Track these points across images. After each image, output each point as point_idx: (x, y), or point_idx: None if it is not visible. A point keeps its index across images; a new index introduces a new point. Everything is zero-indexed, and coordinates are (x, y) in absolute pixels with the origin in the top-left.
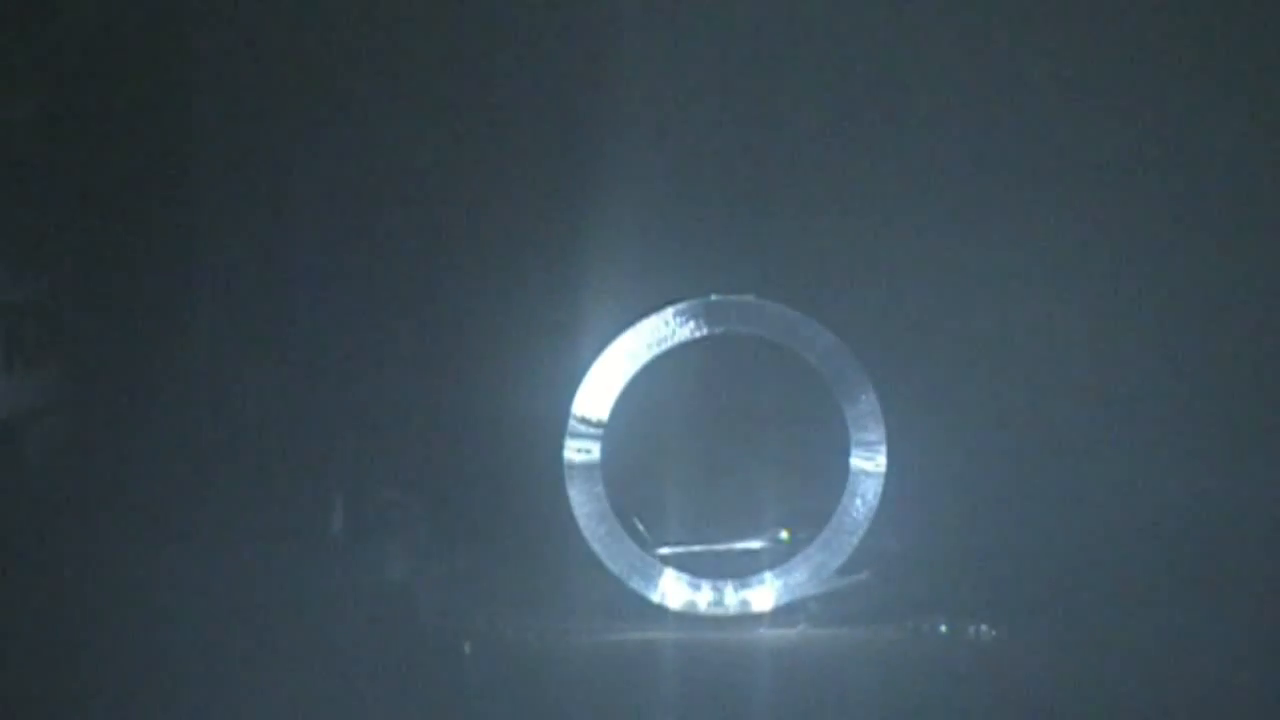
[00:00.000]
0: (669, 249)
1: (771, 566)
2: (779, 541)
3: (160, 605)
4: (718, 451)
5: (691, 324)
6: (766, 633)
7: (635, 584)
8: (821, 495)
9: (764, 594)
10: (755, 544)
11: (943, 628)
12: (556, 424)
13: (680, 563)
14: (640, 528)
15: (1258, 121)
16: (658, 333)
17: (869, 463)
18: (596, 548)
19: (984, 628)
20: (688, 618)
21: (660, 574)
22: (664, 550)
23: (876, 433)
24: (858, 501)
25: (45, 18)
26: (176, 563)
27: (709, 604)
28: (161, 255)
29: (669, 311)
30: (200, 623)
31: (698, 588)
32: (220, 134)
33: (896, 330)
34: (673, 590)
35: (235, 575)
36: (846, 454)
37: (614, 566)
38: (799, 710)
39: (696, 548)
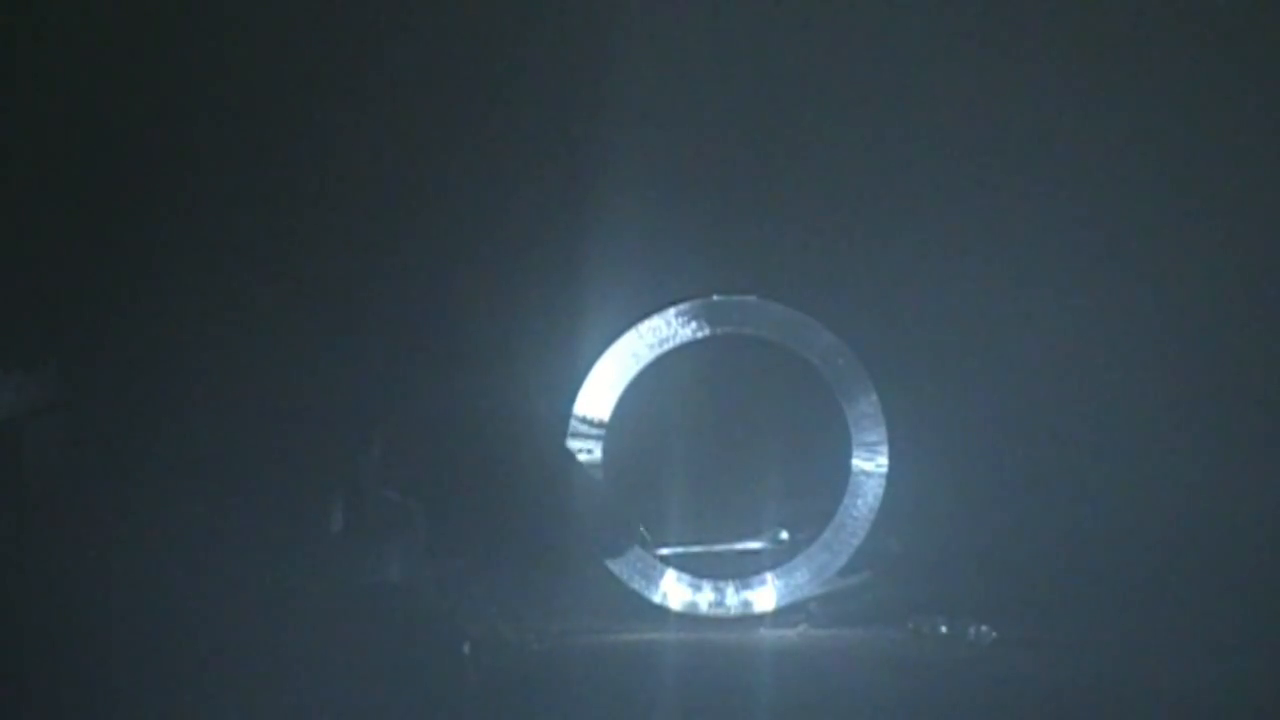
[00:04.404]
0: (670, 249)
1: (773, 567)
2: (779, 542)
3: (160, 605)
4: (719, 452)
5: (693, 324)
6: (768, 633)
7: (636, 584)
8: (823, 496)
9: (765, 594)
10: (756, 545)
11: (943, 628)
12: (558, 424)
13: (681, 563)
14: (641, 528)
15: (1257, 123)
16: (659, 333)
17: (870, 463)
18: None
19: (984, 628)
20: (689, 618)
21: (661, 574)
22: (665, 551)
23: (877, 433)
24: (859, 502)
25: (45, 18)
26: (176, 563)
27: (710, 604)
28: (161, 255)
29: (671, 312)
30: (200, 622)
31: (699, 588)
32: (221, 134)
33: (897, 330)
34: (674, 591)
35: (235, 575)
36: (848, 455)
37: (615, 567)
38: (799, 710)
39: (698, 548)
